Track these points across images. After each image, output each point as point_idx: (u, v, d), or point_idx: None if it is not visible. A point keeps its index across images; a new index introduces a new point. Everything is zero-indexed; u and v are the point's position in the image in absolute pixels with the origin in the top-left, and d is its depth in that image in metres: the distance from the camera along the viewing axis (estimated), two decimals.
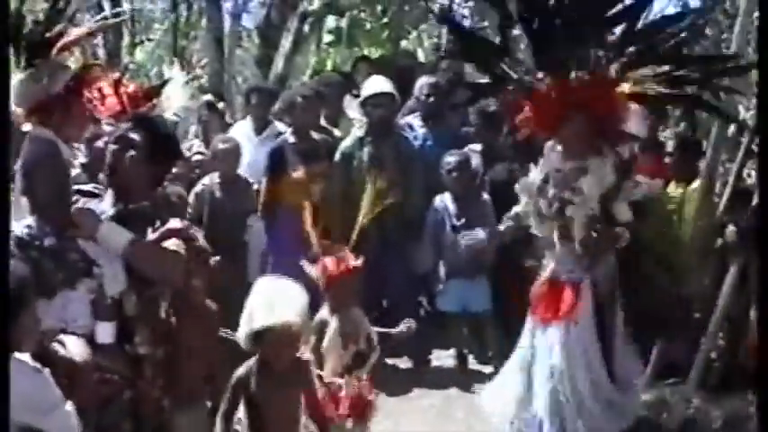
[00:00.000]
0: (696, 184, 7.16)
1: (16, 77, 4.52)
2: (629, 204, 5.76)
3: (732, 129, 7.56)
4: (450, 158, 7.70)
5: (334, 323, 5.37)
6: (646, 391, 6.66)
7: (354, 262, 5.45)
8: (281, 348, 4.51)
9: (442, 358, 8.13)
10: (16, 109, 4.51)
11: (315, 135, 8.10)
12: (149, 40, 20.14)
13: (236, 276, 6.99)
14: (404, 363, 7.98)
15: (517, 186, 6.08)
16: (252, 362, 4.61)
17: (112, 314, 4.22)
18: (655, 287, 6.82)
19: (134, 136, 4.39)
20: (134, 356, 4.28)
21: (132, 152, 4.36)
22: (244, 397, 4.58)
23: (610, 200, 5.72)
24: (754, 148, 7.45)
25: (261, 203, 7.92)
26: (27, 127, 4.72)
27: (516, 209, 6.40)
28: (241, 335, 4.50)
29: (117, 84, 6.99)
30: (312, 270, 5.39)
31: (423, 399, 7.36)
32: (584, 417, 5.68)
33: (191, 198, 7.66)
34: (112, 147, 4.40)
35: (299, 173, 7.81)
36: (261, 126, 8.76)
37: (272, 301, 4.47)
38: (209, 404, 5.18)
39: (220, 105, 10.13)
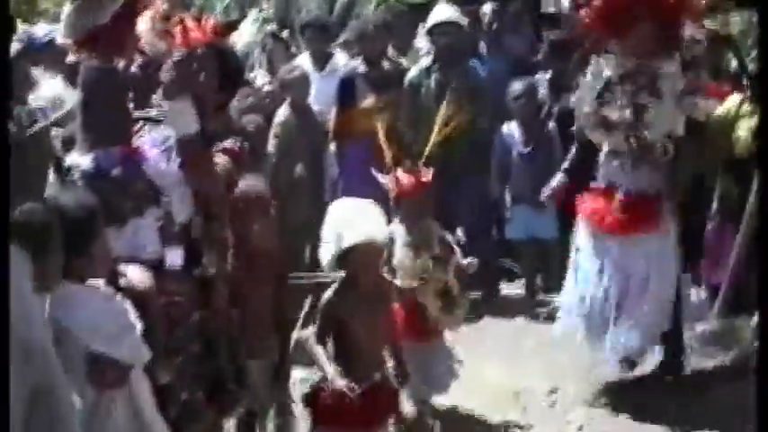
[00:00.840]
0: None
1: (65, 9, 4.52)
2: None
3: None
4: (517, 86, 7.69)
5: (403, 235, 5.41)
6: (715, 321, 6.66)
7: (426, 176, 5.49)
8: (369, 265, 4.58)
9: (511, 287, 8.14)
10: (65, 41, 4.51)
11: (385, 64, 8.10)
12: None
13: (316, 203, 7.16)
14: (473, 293, 7.99)
15: (573, 99, 6.05)
16: (337, 285, 4.66)
17: (180, 239, 4.27)
18: None
19: (206, 60, 4.44)
20: (202, 279, 4.34)
21: (203, 75, 4.40)
22: (331, 321, 4.62)
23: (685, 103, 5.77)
24: None
25: (332, 132, 8.01)
26: (75, 58, 4.73)
27: (578, 124, 6.29)
28: (326, 257, 4.57)
29: (199, 18, 7.03)
30: (385, 181, 5.42)
31: (492, 328, 7.39)
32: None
33: (275, 129, 7.74)
34: (183, 68, 4.42)
35: (369, 102, 7.83)
36: (320, 60, 8.69)
37: (356, 220, 4.55)
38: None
39: (284, 35, 10.08)
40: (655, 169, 5.86)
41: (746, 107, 6.57)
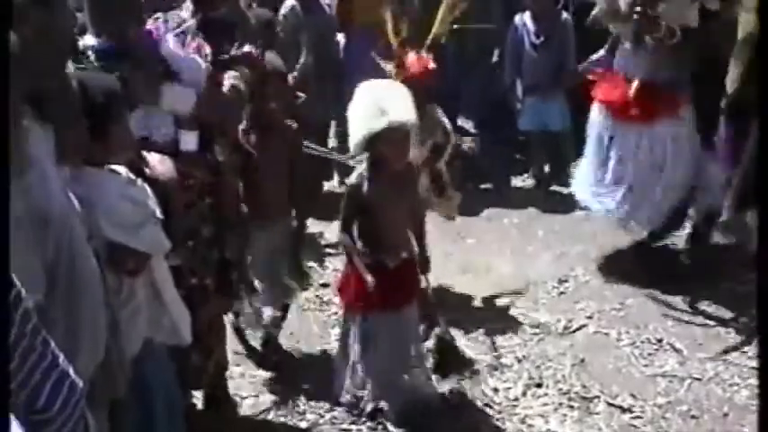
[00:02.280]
0: None
1: None
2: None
3: None
4: None
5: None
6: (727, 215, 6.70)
7: (431, 63, 5.48)
8: (398, 148, 4.53)
9: (522, 179, 8.17)
10: None
11: None
12: None
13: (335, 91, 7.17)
14: (485, 184, 8.03)
15: None
16: (362, 169, 4.65)
17: (194, 124, 4.28)
18: None
19: None
20: (214, 163, 4.35)
21: None
22: (359, 204, 4.64)
23: None
24: None
25: (336, 19, 7.88)
26: None
27: (594, 12, 6.30)
28: (355, 139, 4.52)
29: None
30: (389, 66, 5.42)
31: (503, 218, 7.45)
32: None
33: (280, 17, 7.60)
34: None
35: None
36: None
37: (385, 102, 4.49)
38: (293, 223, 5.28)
39: None
40: (668, 57, 5.90)
41: None
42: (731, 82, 6.84)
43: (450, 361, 5.07)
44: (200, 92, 4.24)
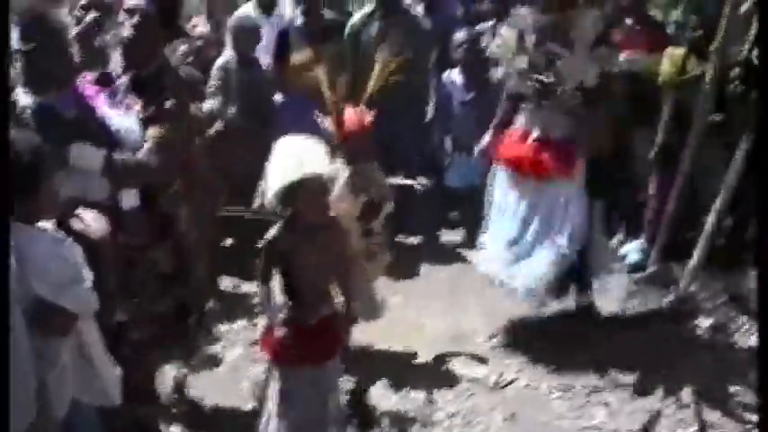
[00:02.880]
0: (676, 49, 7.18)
1: None
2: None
3: (746, 6, 7.49)
4: (459, 35, 7.74)
5: (345, 174, 5.43)
6: (652, 266, 6.85)
7: (369, 118, 5.52)
8: (315, 200, 4.53)
9: (451, 234, 8.21)
10: None
11: (328, 15, 8.00)
12: None
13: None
14: (414, 239, 8.06)
15: (492, 48, 6.19)
16: (282, 222, 4.63)
17: (134, 181, 4.24)
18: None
19: (144, 5, 4.43)
20: (159, 218, 4.33)
21: (138, 18, 4.39)
22: (276, 259, 4.63)
23: (596, 52, 5.93)
24: None
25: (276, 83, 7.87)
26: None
27: (497, 73, 6.44)
28: (271, 194, 4.50)
29: None
30: (326, 123, 5.44)
31: (433, 273, 7.48)
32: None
33: (214, 71, 7.62)
34: (124, 16, 4.41)
35: (304, 55, 7.66)
36: (266, 6, 8.51)
37: (300, 156, 4.49)
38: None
39: None
40: (567, 116, 6.02)
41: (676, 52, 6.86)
42: (659, 133, 7.05)
43: (364, 416, 5.08)
44: (136, 148, 4.24)
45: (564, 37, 5.96)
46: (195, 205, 4.94)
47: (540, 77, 5.97)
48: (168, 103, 4.45)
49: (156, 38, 4.60)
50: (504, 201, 6.32)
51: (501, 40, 6.22)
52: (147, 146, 4.30)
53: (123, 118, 4.27)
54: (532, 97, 6.09)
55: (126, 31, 4.52)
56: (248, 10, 8.57)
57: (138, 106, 4.38)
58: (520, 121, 6.24)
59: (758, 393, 4.50)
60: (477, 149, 6.75)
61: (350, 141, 5.56)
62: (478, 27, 8.06)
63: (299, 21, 7.91)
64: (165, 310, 4.40)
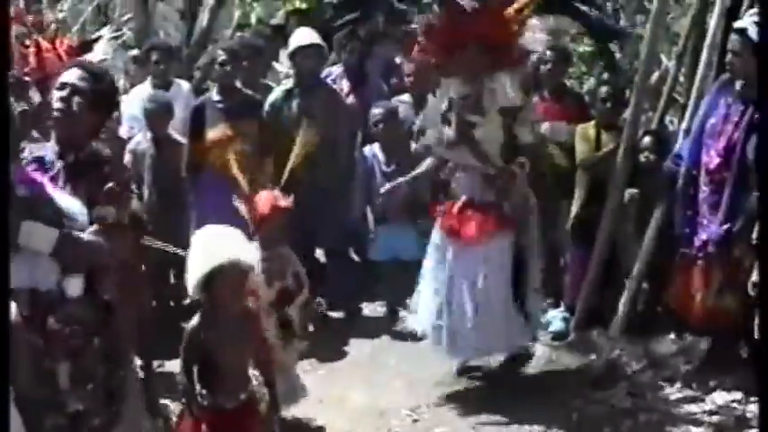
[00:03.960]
0: (587, 124, 7.39)
1: None
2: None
3: (655, 77, 7.73)
4: (377, 110, 7.79)
5: (259, 260, 5.43)
6: (573, 333, 6.95)
7: (284, 201, 5.54)
8: (233, 288, 4.55)
9: (374, 307, 8.22)
10: None
11: (245, 91, 7.99)
12: None
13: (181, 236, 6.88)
14: (336, 313, 8.05)
15: (420, 119, 6.34)
16: (201, 311, 4.64)
17: (79, 267, 4.19)
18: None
19: (79, 83, 4.39)
20: (101, 305, 4.28)
21: (78, 98, 4.35)
22: (197, 346, 4.61)
23: (512, 120, 6.15)
24: (676, 96, 7.67)
25: (185, 162, 7.73)
26: None
27: (424, 141, 6.58)
28: (191, 284, 4.52)
29: (54, 40, 6.88)
30: (242, 208, 5.45)
31: (354, 348, 7.45)
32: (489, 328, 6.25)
33: (126, 156, 7.54)
34: (58, 93, 4.37)
35: (220, 131, 7.66)
36: (162, 85, 8.38)
37: (217, 244, 4.53)
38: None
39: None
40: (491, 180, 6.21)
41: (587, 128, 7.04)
42: (575, 204, 7.21)
43: None
44: (83, 230, 4.19)
45: (477, 104, 6.15)
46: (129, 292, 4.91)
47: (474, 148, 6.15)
48: (112, 184, 4.40)
49: (91, 118, 4.48)
50: (435, 262, 6.47)
51: (428, 110, 6.43)
52: (94, 227, 4.24)
53: (69, 199, 4.21)
54: (460, 165, 6.28)
55: (56, 108, 4.41)
56: (145, 89, 8.48)
57: (81, 189, 4.31)
58: (453, 184, 6.43)
59: (758, 392, 4.69)
60: (383, 190, 6.95)
61: (263, 226, 5.58)
62: (395, 100, 8.15)
63: (215, 96, 7.87)
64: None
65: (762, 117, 5.45)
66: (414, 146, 7.13)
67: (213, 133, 7.65)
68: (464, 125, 6.14)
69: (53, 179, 4.28)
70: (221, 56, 7.84)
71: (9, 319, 2.15)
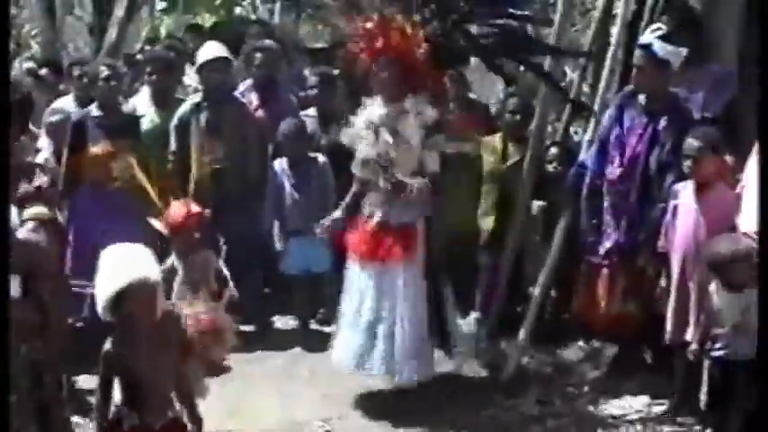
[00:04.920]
0: (493, 137, 7.55)
1: None
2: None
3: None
4: (284, 126, 7.80)
5: (180, 271, 5.42)
6: (483, 343, 7.02)
7: (197, 208, 5.53)
8: (144, 304, 4.51)
9: (285, 320, 8.22)
10: None
11: (123, 109, 7.93)
12: None
13: None
14: (247, 326, 8.02)
15: (342, 137, 6.36)
16: (115, 331, 4.59)
17: (18, 269, 4.14)
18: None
19: None
20: (39, 306, 4.24)
21: None
22: (115, 366, 4.57)
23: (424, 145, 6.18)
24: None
25: (62, 178, 7.35)
26: None
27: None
28: (101, 305, 4.49)
29: None
30: (156, 222, 5.44)
31: (267, 360, 7.44)
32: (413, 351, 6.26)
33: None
34: None
35: (101, 147, 7.47)
36: (84, 101, 8.18)
37: (123, 263, 4.50)
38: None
39: (44, 73, 9.58)
40: (410, 203, 6.24)
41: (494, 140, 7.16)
42: (481, 217, 7.31)
43: None
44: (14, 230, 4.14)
45: (394, 127, 6.20)
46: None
47: (388, 172, 6.19)
48: (38, 182, 4.37)
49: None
50: (353, 286, 6.47)
51: (351, 128, 6.41)
52: (28, 226, 4.20)
53: None
54: (376, 184, 6.27)
55: None
56: (65, 103, 8.42)
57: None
58: (366, 206, 6.41)
59: (758, 392, 4.77)
60: (318, 228, 6.77)
61: (179, 235, 5.57)
62: (302, 114, 8.18)
63: (95, 111, 7.66)
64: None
65: (760, 115, 5.59)
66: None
67: (95, 149, 7.46)
68: (386, 145, 6.20)
69: None
70: (103, 71, 7.75)
71: (9, 318, 2.14)
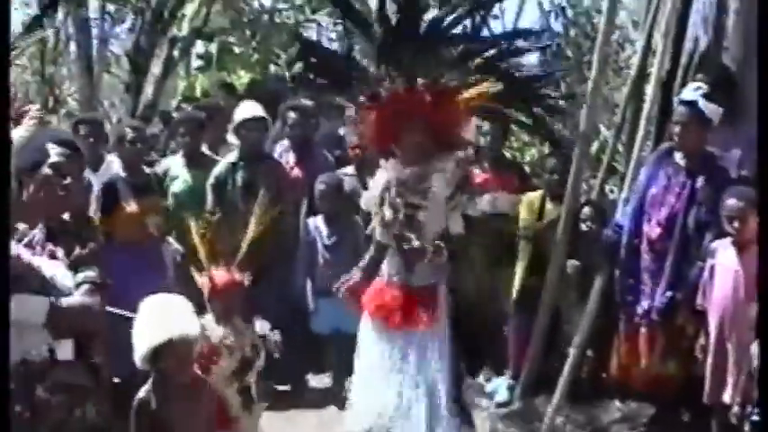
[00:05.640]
0: (533, 194, 7.49)
1: None
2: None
3: (595, 146, 7.85)
4: (320, 182, 7.82)
5: (218, 333, 5.41)
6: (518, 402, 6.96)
7: (240, 276, 5.52)
8: (182, 361, 4.55)
9: (320, 378, 8.19)
10: None
11: (146, 169, 7.99)
12: (16, 65, 19.69)
13: None
14: (282, 386, 8.01)
15: (361, 201, 6.32)
16: (149, 385, 4.61)
17: (68, 332, 4.15)
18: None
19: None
20: (92, 367, 4.24)
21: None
22: (148, 420, 4.57)
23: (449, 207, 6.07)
24: (616, 165, 7.81)
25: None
26: None
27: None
28: (138, 355, 4.51)
29: None
30: (200, 279, 5.44)
31: (301, 418, 7.41)
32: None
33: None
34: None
35: (132, 206, 7.58)
36: (94, 160, 7.98)
37: (166, 316, 4.52)
38: None
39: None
40: (431, 266, 6.12)
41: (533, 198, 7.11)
42: (518, 273, 7.29)
43: None
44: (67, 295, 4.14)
45: (423, 189, 6.07)
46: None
47: (408, 236, 6.06)
48: (91, 245, 4.37)
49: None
50: (372, 352, 6.31)
51: (368, 192, 6.36)
52: (82, 289, 4.20)
53: (52, 265, 4.17)
54: (396, 248, 6.17)
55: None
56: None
57: (59, 252, 4.27)
58: (386, 270, 6.30)
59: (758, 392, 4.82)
60: (337, 287, 6.64)
61: (221, 299, 5.55)
62: (339, 172, 8.18)
63: (122, 173, 7.79)
64: None
65: (760, 128, 5.57)
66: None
67: (125, 209, 7.56)
68: (407, 208, 6.09)
69: (27, 246, 4.23)
70: (128, 134, 7.84)
71: (9, 320, 2.15)
